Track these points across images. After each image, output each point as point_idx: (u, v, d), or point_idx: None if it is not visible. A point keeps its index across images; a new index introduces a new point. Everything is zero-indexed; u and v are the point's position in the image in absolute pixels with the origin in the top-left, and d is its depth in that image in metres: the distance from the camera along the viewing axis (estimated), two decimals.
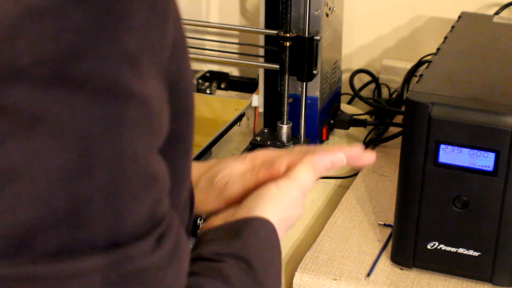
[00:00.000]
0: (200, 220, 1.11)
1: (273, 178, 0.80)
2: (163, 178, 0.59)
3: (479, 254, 1.07)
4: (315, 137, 1.38)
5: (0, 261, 0.53)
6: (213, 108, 1.38)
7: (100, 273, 0.54)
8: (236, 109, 1.36)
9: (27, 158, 0.52)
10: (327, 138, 1.44)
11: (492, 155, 1.01)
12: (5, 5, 0.50)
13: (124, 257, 0.55)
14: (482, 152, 1.01)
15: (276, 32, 1.29)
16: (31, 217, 0.53)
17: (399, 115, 1.56)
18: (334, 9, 1.38)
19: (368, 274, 1.11)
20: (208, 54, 1.38)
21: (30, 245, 0.53)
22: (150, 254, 0.56)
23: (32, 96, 0.51)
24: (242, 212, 0.77)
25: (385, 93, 1.65)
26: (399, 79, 1.65)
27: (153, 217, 0.57)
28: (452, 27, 1.30)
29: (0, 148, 0.52)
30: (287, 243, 1.21)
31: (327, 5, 1.34)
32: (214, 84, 1.60)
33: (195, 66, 1.64)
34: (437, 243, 1.08)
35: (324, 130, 1.42)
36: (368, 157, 0.83)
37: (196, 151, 1.23)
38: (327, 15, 1.34)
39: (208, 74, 1.60)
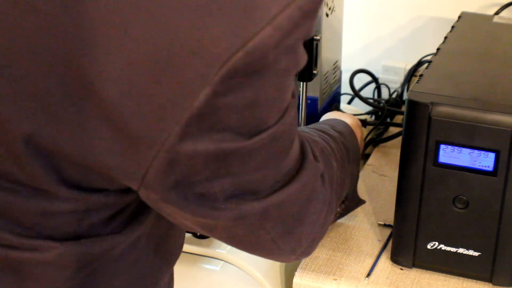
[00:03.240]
0: None
1: None
2: None
3: (479, 254, 1.06)
4: None
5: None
6: None
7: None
8: None
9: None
10: None
11: (492, 155, 1.01)
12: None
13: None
14: (482, 152, 1.01)
15: None
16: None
17: (399, 115, 1.56)
18: (334, 9, 1.37)
19: (368, 274, 1.11)
20: None
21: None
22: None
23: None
24: None
25: (385, 93, 1.65)
26: (399, 79, 1.65)
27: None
28: (452, 27, 1.30)
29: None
30: None
31: (327, 5, 1.34)
32: None
33: None
34: (437, 243, 1.08)
35: None
36: None
37: None
38: (327, 15, 1.34)
39: None
